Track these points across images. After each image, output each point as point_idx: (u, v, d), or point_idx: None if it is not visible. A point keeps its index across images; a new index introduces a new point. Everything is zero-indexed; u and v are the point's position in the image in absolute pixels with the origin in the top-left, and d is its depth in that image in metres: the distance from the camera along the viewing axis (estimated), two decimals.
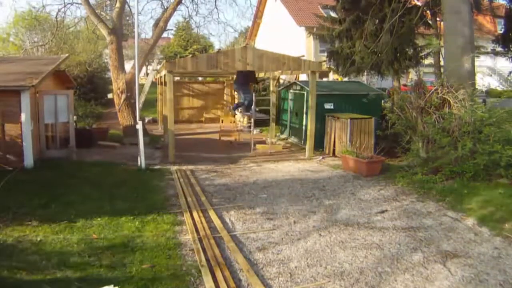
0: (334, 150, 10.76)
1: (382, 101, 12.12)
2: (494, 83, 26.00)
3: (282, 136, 13.86)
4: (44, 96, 9.79)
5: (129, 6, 16.10)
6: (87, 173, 8.44)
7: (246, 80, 12.22)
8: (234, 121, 14.61)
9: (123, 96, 13.79)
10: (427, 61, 15.70)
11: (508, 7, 13.96)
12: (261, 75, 16.01)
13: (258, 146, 12.29)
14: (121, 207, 6.34)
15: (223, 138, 12.69)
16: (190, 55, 11.90)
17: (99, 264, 4.41)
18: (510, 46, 14.07)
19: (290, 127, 13.46)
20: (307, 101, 11.38)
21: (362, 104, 11.16)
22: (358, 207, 6.65)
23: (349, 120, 10.12)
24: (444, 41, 9.48)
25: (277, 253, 4.87)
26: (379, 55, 12.49)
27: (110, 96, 19.78)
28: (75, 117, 14.51)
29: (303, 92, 12.10)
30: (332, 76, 21.87)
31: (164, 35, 18.37)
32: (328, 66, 15.26)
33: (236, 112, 15.75)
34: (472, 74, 9.00)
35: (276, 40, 25.05)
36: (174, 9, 14.63)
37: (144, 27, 61.51)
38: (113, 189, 7.37)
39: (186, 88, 18.79)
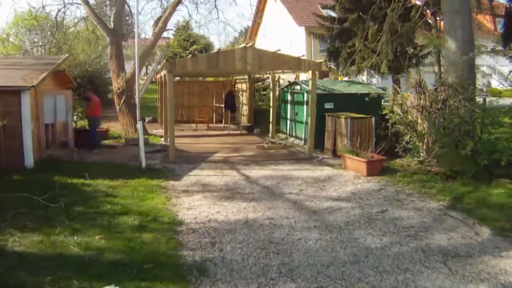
0: (334, 149, 10.75)
1: (382, 101, 12.10)
2: (494, 83, 25.97)
3: (282, 136, 13.85)
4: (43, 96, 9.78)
5: (129, 6, 16.13)
6: (87, 173, 8.43)
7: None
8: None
9: (123, 96, 13.80)
10: (427, 60, 15.70)
11: (508, 6, 13.96)
12: (261, 75, 16.00)
13: (258, 146, 12.28)
14: (122, 208, 6.33)
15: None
16: (190, 55, 11.88)
17: (100, 264, 4.41)
18: (510, 45, 14.07)
19: (290, 127, 13.46)
20: (307, 100, 11.37)
21: (362, 104, 11.13)
22: (359, 207, 6.65)
23: (349, 119, 10.11)
24: (444, 40, 9.47)
25: (277, 251, 4.89)
26: (379, 54, 12.50)
27: (110, 96, 19.79)
28: (75, 117, 14.52)
29: (303, 92, 12.09)
30: (332, 76, 21.87)
31: (164, 35, 18.38)
32: (328, 66, 15.26)
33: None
34: (472, 73, 8.99)
35: (276, 40, 25.04)
36: (174, 9, 14.64)
37: (144, 27, 61.60)
38: (113, 189, 7.37)
39: (186, 88, 18.77)
